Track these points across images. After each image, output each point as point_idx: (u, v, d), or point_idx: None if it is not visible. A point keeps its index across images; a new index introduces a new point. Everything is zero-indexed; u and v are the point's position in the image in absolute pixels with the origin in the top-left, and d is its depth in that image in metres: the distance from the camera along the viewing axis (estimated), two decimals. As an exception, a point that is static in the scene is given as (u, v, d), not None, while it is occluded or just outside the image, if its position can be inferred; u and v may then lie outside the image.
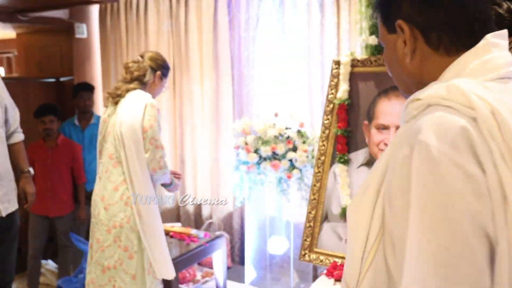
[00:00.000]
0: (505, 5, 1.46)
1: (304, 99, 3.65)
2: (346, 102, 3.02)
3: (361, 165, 2.95)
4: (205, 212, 4.20)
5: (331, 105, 3.10)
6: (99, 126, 2.82)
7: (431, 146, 0.77)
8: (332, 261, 2.85)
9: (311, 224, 3.01)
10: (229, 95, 4.00)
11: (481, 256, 0.75)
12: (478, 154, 0.77)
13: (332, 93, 3.11)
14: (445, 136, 0.77)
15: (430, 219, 0.77)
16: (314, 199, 3.02)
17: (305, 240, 3.01)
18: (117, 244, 2.65)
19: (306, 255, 2.99)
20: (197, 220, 4.31)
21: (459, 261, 0.75)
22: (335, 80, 3.12)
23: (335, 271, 2.69)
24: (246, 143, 3.18)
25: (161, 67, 2.75)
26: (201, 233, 3.34)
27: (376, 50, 3.05)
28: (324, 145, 3.07)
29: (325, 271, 3.71)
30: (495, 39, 0.92)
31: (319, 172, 3.03)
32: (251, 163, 3.13)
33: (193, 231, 3.36)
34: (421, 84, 0.94)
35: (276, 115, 3.24)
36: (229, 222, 4.12)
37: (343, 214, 2.89)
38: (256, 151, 3.13)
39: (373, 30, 3.04)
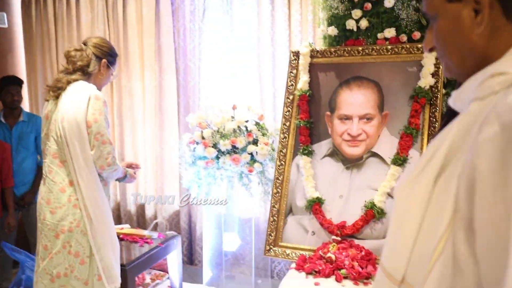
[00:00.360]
0: None
1: (255, 91, 3.54)
2: (307, 93, 2.95)
3: (325, 156, 2.90)
4: (149, 212, 3.95)
5: (291, 97, 3.02)
6: (41, 122, 2.52)
7: None
8: (299, 254, 2.77)
9: (275, 218, 2.91)
10: (173, 88, 3.79)
11: None
12: None
13: (292, 84, 3.04)
14: None
15: None
16: (277, 192, 2.92)
17: (270, 235, 2.90)
18: (67, 250, 2.39)
19: (271, 250, 2.88)
20: (140, 221, 4.04)
21: None
22: (294, 71, 3.06)
23: (305, 264, 2.61)
24: (203, 137, 3.00)
25: (106, 55, 2.52)
26: (154, 234, 3.11)
27: (335, 41, 3.02)
28: (285, 137, 2.98)
29: (282, 266, 3.64)
30: None
31: (281, 165, 2.94)
32: (210, 157, 2.96)
33: (145, 232, 3.12)
34: (484, 58, 0.85)
35: (234, 107, 3.09)
36: (176, 221, 3.91)
37: (309, 206, 2.82)
38: (214, 146, 2.96)
39: (332, 21, 3.00)
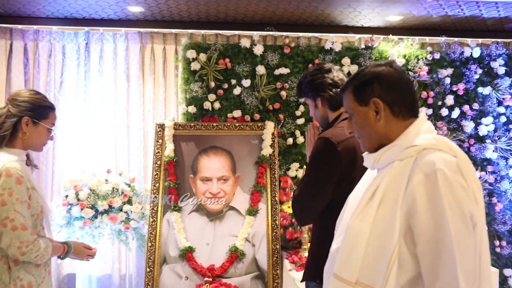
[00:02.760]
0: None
1: (110, 158, 3.57)
2: (173, 159, 3.22)
3: (192, 211, 3.17)
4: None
5: (159, 162, 3.24)
6: None
7: (445, 172, 1.22)
8: (176, 298, 2.92)
9: (151, 268, 3.01)
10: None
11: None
12: (464, 175, 1.26)
13: (159, 152, 3.27)
14: (450, 166, 1.24)
15: (454, 208, 1.19)
16: (152, 245, 3.04)
17: (147, 284, 2.98)
18: None
19: (150, 298, 2.95)
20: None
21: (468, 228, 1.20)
22: (160, 140, 3.30)
23: (187, 305, 2.79)
24: (78, 199, 2.94)
25: (26, 110, 1.92)
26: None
27: (193, 117, 3.39)
28: (156, 197, 3.15)
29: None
30: (424, 113, 1.46)
31: (154, 221, 3.09)
32: (87, 218, 2.91)
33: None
34: (384, 139, 1.34)
35: (109, 171, 3.12)
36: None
37: (182, 255, 3.03)
38: (92, 206, 2.93)
39: (191, 101, 3.38)
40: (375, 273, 1.26)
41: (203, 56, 3.38)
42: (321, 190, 1.77)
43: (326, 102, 1.96)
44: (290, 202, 3.23)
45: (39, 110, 1.96)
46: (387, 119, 1.33)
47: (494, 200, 3.53)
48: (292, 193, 3.23)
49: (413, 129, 1.32)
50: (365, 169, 1.81)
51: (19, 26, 3.59)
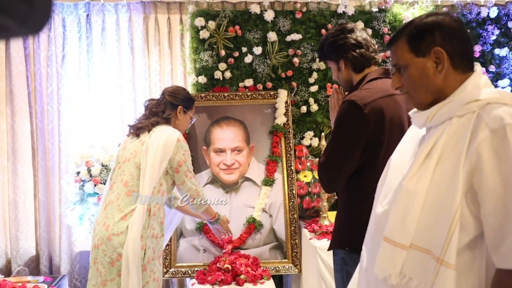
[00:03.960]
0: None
1: (117, 133, 3.47)
2: (186, 132, 3.12)
3: (206, 183, 3.09)
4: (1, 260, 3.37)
5: (171, 135, 3.13)
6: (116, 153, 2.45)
7: None
8: (195, 270, 2.87)
9: (168, 242, 2.95)
10: (27, 132, 3.42)
11: None
12: None
13: (170, 124, 3.15)
14: None
15: None
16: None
17: (165, 259, 2.92)
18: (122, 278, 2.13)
19: (169, 272, 2.89)
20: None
21: None
22: (171, 112, 3.17)
23: (208, 277, 2.74)
24: (91, 175, 2.84)
25: (181, 101, 2.46)
26: (40, 278, 2.75)
27: (203, 88, 3.28)
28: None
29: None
30: (479, 66, 1.38)
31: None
32: (101, 193, 2.82)
33: (29, 278, 2.74)
34: (441, 93, 1.25)
35: (119, 145, 3.01)
36: (33, 267, 3.42)
37: (199, 228, 2.96)
38: (105, 182, 2.84)
39: (201, 72, 3.27)
40: (433, 235, 1.17)
41: (212, 24, 3.25)
42: (348, 155, 1.70)
43: (350, 64, 1.87)
44: (308, 171, 3.16)
45: (188, 101, 2.49)
46: (447, 71, 1.24)
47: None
48: (308, 162, 3.16)
49: (471, 83, 1.22)
50: (394, 131, 1.74)
51: (16, -1, 3.43)
